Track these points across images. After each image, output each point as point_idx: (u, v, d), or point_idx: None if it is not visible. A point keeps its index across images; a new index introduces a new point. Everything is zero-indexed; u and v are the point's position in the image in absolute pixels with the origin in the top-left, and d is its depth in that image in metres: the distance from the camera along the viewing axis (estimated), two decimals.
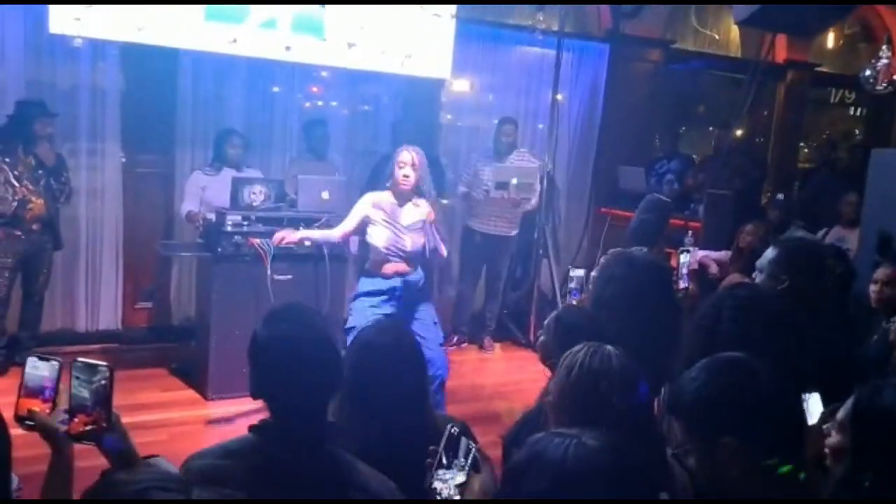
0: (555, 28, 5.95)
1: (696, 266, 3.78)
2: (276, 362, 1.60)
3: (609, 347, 1.67)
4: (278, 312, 1.71)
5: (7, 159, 4.50)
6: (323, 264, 4.54)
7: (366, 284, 3.93)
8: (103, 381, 1.52)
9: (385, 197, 3.93)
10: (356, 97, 6.26)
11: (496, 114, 6.35)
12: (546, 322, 2.29)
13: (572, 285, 3.27)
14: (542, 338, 2.28)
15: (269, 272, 4.36)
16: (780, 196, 5.71)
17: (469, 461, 1.54)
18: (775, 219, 5.46)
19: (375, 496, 1.60)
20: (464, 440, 1.56)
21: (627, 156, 6.72)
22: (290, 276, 4.50)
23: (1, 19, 4.83)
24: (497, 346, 6.10)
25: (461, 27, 5.75)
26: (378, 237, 3.89)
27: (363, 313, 3.77)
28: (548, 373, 2.27)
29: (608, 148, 6.81)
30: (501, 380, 5.51)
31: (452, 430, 1.58)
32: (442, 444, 1.56)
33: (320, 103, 6.12)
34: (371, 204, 3.92)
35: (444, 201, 6.47)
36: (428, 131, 6.37)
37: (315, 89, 6.12)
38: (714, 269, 4.35)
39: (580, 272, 3.92)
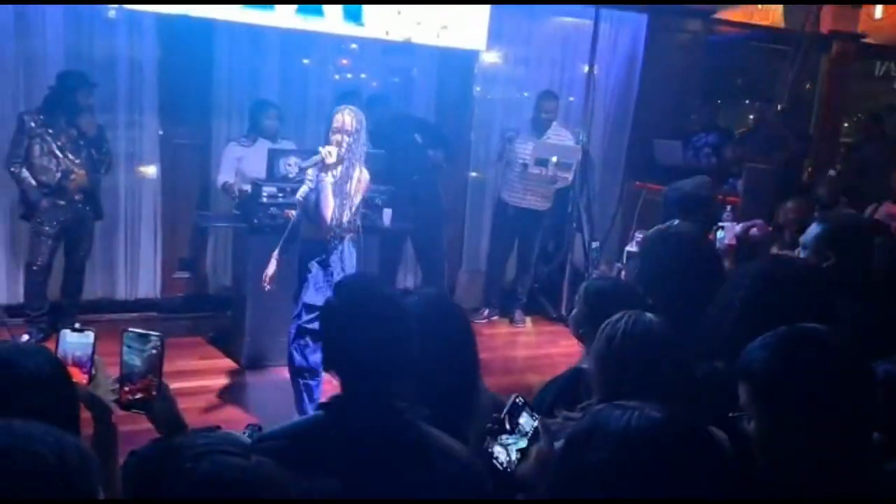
0: None
1: (734, 242, 3.72)
2: (351, 332, 1.55)
3: (649, 315, 1.66)
4: (350, 283, 1.69)
5: (50, 130, 4.58)
6: (357, 235, 4.56)
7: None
8: (154, 350, 1.54)
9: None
10: (388, 69, 6.23)
11: (529, 86, 6.28)
12: (577, 295, 2.29)
13: (593, 257, 3.24)
14: (573, 312, 2.28)
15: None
16: (833, 172, 5.53)
17: (532, 430, 1.54)
18: (824, 195, 5.32)
19: (460, 459, 1.57)
20: (528, 410, 1.56)
21: (664, 129, 6.61)
22: None
23: None
24: (528, 319, 6.10)
25: None
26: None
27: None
28: (578, 346, 2.27)
29: (644, 121, 6.71)
30: (533, 353, 5.52)
31: (517, 400, 1.57)
32: (505, 411, 1.56)
33: (349, 75, 6.10)
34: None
35: (475, 174, 6.45)
36: (461, 103, 6.33)
37: (346, 61, 6.11)
38: (760, 228, 4.17)
39: (596, 244, 3.91)
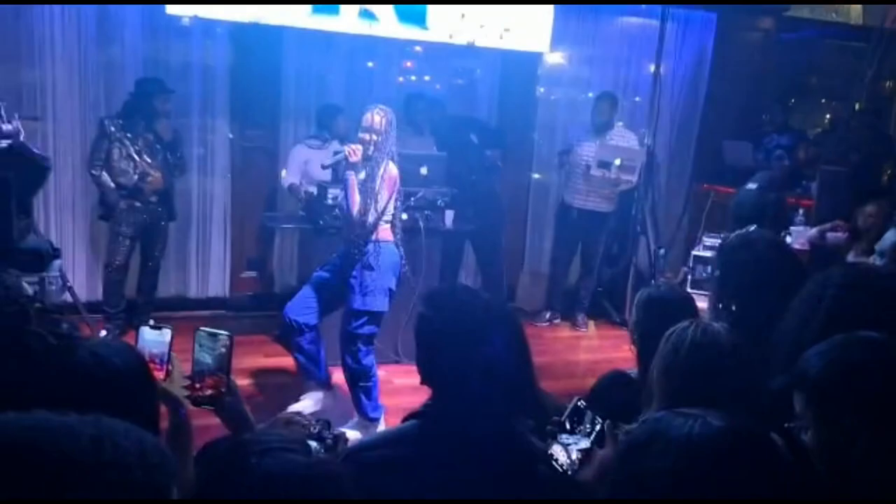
0: None
1: (807, 247, 3.60)
2: (448, 346, 1.55)
3: (717, 324, 1.63)
4: (442, 294, 1.69)
5: (129, 135, 4.77)
6: (419, 237, 4.60)
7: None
8: (223, 349, 1.60)
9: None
10: (451, 71, 6.27)
11: (594, 87, 6.22)
12: (635, 301, 2.26)
13: (660, 264, 3.19)
14: (633, 322, 2.25)
15: None
16: None
17: (595, 432, 1.52)
18: None
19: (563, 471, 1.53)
20: (590, 413, 1.55)
21: (733, 130, 6.45)
22: None
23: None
24: (591, 323, 6.04)
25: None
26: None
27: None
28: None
29: (712, 122, 6.55)
30: (595, 357, 5.46)
31: (580, 403, 1.56)
32: (566, 413, 1.55)
33: (413, 78, 6.16)
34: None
35: (537, 175, 6.42)
36: (524, 105, 6.31)
37: (411, 63, 6.17)
38: (840, 232, 4.00)
39: (663, 250, 3.82)
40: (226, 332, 1.62)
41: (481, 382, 1.52)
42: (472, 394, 1.52)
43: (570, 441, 1.53)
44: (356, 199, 3.66)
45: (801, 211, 4.90)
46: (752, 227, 2.83)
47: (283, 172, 5.33)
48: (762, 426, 1.32)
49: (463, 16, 5.24)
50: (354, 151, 3.63)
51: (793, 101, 7.83)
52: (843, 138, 6.18)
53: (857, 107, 7.59)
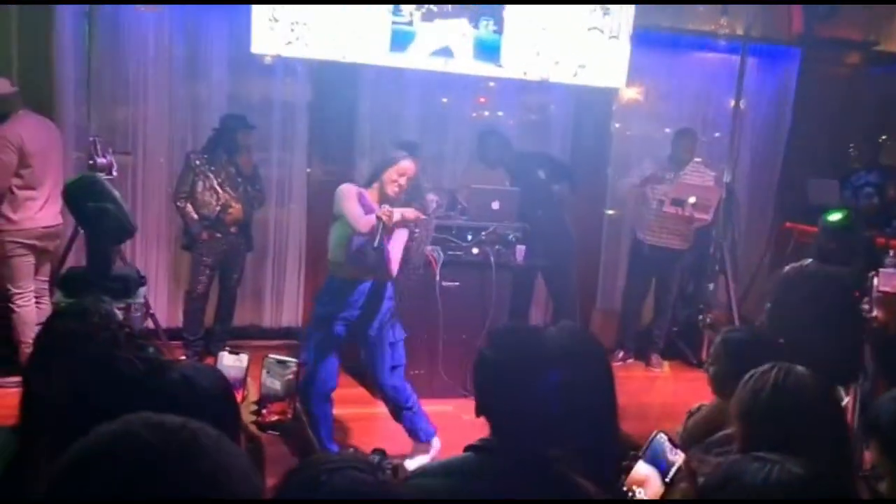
0: (739, 32, 5.64)
1: (891, 290, 3.40)
2: (505, 383, 1.58)
3: (801, 368, 1.56)
4: (504, 332, 1.73)
5: (212, 168, 4.96)
6: (489, 272, 4.60)
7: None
8: (291, 376, 1.63)
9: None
10: (525, 107, 6.29)
11: (670, 122, 6.13)
12: (713, 348, 2.18)
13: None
14: (712, 368, 2.16)
15: (437, 278, 4.48)
16: None
17: (675, 469, 1.50)
18: None
19: None
20: (669, 446, 1.53)
21: (818, 167, 6.22)
22: (457, 283, 4.60)
23: (208, 40, 5.36)
24: (666, 364, 5.86)
25: (636, 35, 5.61)
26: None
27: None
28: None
29: (796, 159, 6.34)
30: (669, 400, 5.27)
31: (659, 437, 1.55)
32: (644, 449, 1.54)
33: (486, 113, 6.20)
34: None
35: (612, 211, 6.33)
36: (599, 140, 6.26)
37: (484, 99, 6.22)
38: None
39: (711, 286, 3.65)
40: (294, 360, 1.65)
41: (537, 420, 1.53)
42: (524, 431, 1.54)
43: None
44: (398, 256, 3.76)
45: (892, 252, 4.65)
46: (808, 261, 2.69)
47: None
48: (844, 476, 1.25)
49: (538, 53, 5.27)
50: (388, 215, 3.60)
51: (883, 137, 7.51)
52: None
53: None
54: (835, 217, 4.38)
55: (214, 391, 1.45)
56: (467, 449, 1.61)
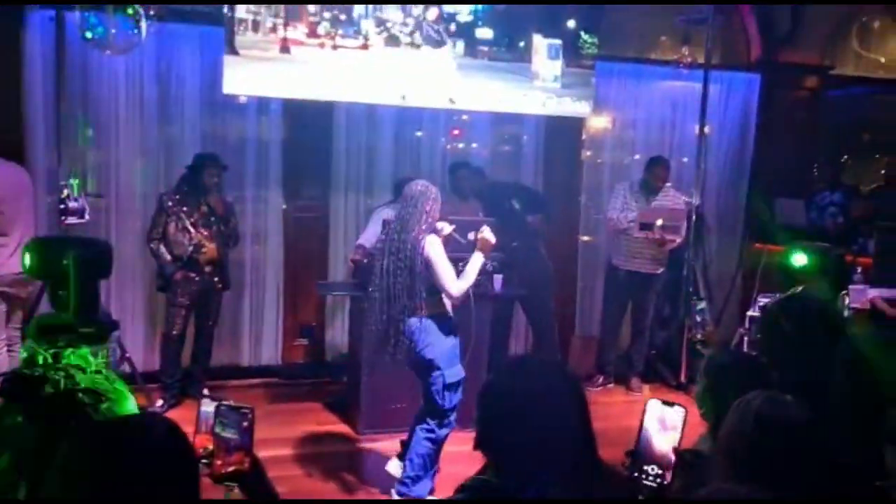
0: (700, 61, 5.80)
1: (867, 307, 3.49)
2: (516, 417, 1.52)
3: (788, 397, 1.58)
4: (515, 364, 1.68)
5: (185, 208, 4.94)
6: (468, 303, 4.60)
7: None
8: (245, 424, 1.56)
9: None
10: (498, 138, 6.38)
11: (639, 149, 6.25)
12: (699, 376, 2.21)
13: (698, 318, 3.12)
14: (696, 388, 2.19)
15: None
16: None
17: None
18: None
19: None
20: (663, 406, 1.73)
21: (783, 188, 6.36)
22: None
23: (181, 81, 5.37)
24: (646, 387, 5.90)
25: (601, 65, 5.74)
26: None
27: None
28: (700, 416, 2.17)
29: (762, 180, 6.49)
30: None
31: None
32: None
33: (461, 145, 6.28)
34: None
35: (586, 238, 6.41)
36: (569, 169, 6.36)
37: (457, 132, 6.30)
38: (892, 311, 3.98)
39: (702, 305, 3.76)
40: (248, 406, 1.58)
41: (536, 456, 1.51)
42: (526, 466, 1.51)
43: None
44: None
45: (858, 269, 4.77)
46: (799, 289, 2.74)
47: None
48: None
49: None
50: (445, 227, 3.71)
51: (845, 157, 7.72)
52: None
53: None
54: (800, 260, 4.40)
55: (163, 448, 1.31)
56: (464, 487, 1.57)
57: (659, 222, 5.42)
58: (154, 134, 5.38)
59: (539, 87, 5.51)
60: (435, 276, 3.60)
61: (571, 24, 5.54)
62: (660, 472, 1.72)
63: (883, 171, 7.40)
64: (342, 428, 4.85)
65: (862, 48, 6.91)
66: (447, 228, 3.75)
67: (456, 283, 3.63)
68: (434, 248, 3.61)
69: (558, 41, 5.48)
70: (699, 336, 5.63)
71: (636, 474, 1.78)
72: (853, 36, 6.86)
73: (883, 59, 7.02)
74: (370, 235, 5.18)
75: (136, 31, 4.27)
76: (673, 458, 1.74)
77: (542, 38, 5.46)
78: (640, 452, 1.79)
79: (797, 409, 1.54)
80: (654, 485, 1.76)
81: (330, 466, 4.29)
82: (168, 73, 5.35)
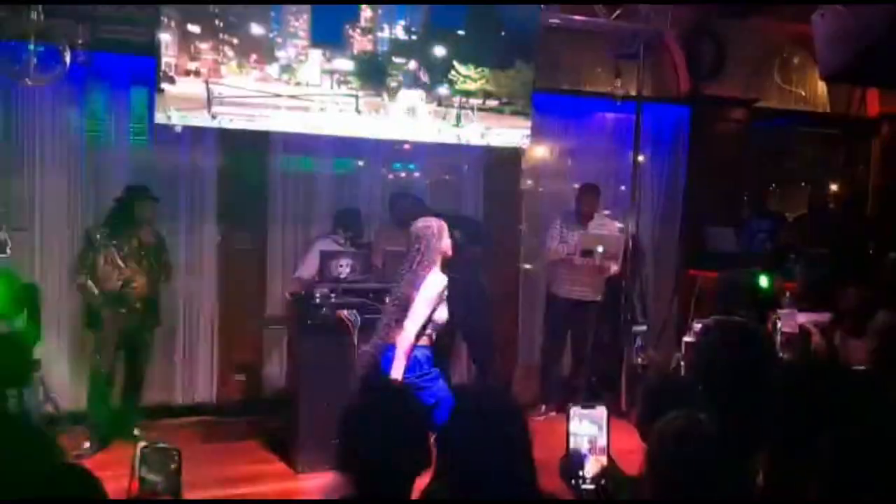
0: (633, 93, 5.97)
1: (796, 330, 3.59)
2: (367, 436, 1.59)
3: (701, 415, 1.60)
4: (368, 387, 1.72)
5: (114, 241, 4.77)
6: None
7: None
8: (173, 465, 1.52)
9: (441, 277, 3.81)
10: (438, 167, 6.40)
11: (577, 178, 6.36)
12: (635, 399, 2.24)
13: (638, 343, 3.18)
14: (635, 416, 2.21)
15: (355, 343, 4.42)
16: (893, 255, 5.37)
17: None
18: (886, 280, 5.14)
19: None
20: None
21: (715, 216, 6.56)
22: None
23: (110, 111, 5.23)
24: None
25: (538, 97, 5.84)
26: (443, 313, 3.82)
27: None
28: (641, 442, 2.18)
29: (694, 208, 6.67)
30: None
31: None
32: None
33: (403, 175, 6.27)
34: (441, 287, 3.78)
35: (527, 267, 6.46)
36: (510, 198, 6.42)
37: (398, 162, 6.30)
38: (819, 341, 4.12)
39: (643, 328, 3.86)
40: (175, 448, 1.54)
41: (389, 481, 1.57)
42: (380, 490, 1.57)
43: None
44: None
45: (787, 293, 4.92)
46: (732, 317, 2.80)
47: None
48: None
49: (444, 118, 5.40)
50: None
51: (773, 186, 8.03)
52: (822, 222, 6.30)
53: (834, 189, 7.78)
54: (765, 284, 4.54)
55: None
56: None
57: (600, 248, 5.50)
58: (82, 165, 5.20)
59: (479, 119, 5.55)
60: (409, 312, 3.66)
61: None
62: (593, 475, 1.83)
63: (808, 200, 7.72)
64: (280, 466, 4.70)
65: (784, 82, 7.23)
66: None
67: (412, 329, 3.65)
68: (426, 289, 3.68)
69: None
70: (640, 360, 5.71)
71: (572, 480, 1.88)
72: (775, 70, 7.18)
73: (803, 93, 7.36)
74: (309, 267, 5.09)
75: (58, 63, 4.16)
76: (605, 460, 1.85)
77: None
78: (572, 458, 1.89)
79: (708, 427, 1.56)
80: (592, 487, 1.87)
81: None
82: (97, 103, 5.20)
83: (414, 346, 3.65)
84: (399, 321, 3.67)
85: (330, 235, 5.31)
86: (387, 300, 3.84)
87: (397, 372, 3.58)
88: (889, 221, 7.62)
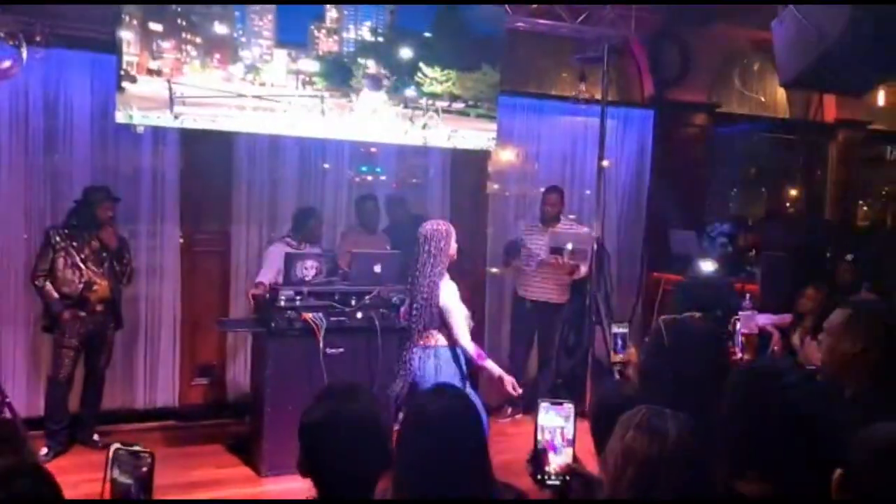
0: (598, 97, 6.03)
1: (756, 332, 3.65)
2: (324, 440, 1.61)
3: (668, 411, 1.62)
4: (326, 390, 1.72)
5: (74, 243, 4.68)
6: (375, 337, 4.55)
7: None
8: (145, 468, 1.50)
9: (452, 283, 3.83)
10: (405, 170, 6.39)
11: (543, 182, 6.39)
12: (588, 410, 2.25)
13: (618, 341, 3.20)
14: (590, 425, 2.22)
15: (321, 346, 4.39)
16: (850, 257, 5.51)
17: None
18: (844, 281, 5.27)
19: None
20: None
21: (678, 219, 6.65)
22: (342, 350, 4.52)
23: (70, 110, 5.12)
24: None
25: (504, 100, 5.87)
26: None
27: None
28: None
29: (658, 212, 6.76)
30: None
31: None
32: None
33: (369, 178, 6.25)
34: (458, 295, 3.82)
35: (494, 270, 6.47)
36: (476, 201, 6.43)
37: (364, 165, 6.27)
38: (777, 343, 4.21)
39: (623, 329, 3.87)
40: (147, 451, 1.52)
41: (348, 484, 1.60)
42: (340, 493, 1.59)
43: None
44: None
45: (748, 296, 5.01)
46: (685, 316, 2.82)
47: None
48: None
49: (411, 120, 5.40)
50: None
51: (734, 190, 8.18)
52: (781, 225, 6.44)
53: (793, 193, 7.96)
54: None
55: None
56: None
57: (569, 246, 5.53)
58: (40, 164, 5.09)
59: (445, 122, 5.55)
60: (450, 327, 3.72)
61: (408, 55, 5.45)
62: (557, 471, 1.86)
63: (765, 204, 7.89)
64: (244, 471, 4.65)
65: (744, 87, 7.37)
66: None
67: (467, 339, 3.75)
68: (450, 298, 3.74)
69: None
70: (619, 358, 5.73)
71: (539, 476, 1.90)
72: (736, 76, 7.32)
73: (763, 98, 7.52)
74: (271, 271, 5.04)
75: (14, 59, 4.06)
76: (571, 454, 1.89)
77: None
78: (539, 454, 1.91)
79: (672, 423, 1.57)
80: (558, 483, 1.89)
81: None
82: (56, 101, 5.09)
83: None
84: (427, 327, 3.72)
85: (284, 239, 5.25)
86: (402, 308, 3.96)
87: (494, 369, 3.83)
88: (846, 224, 7.83)
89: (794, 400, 1.69)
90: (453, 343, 3.77)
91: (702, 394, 1.96)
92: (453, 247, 3.82)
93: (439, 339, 3.74)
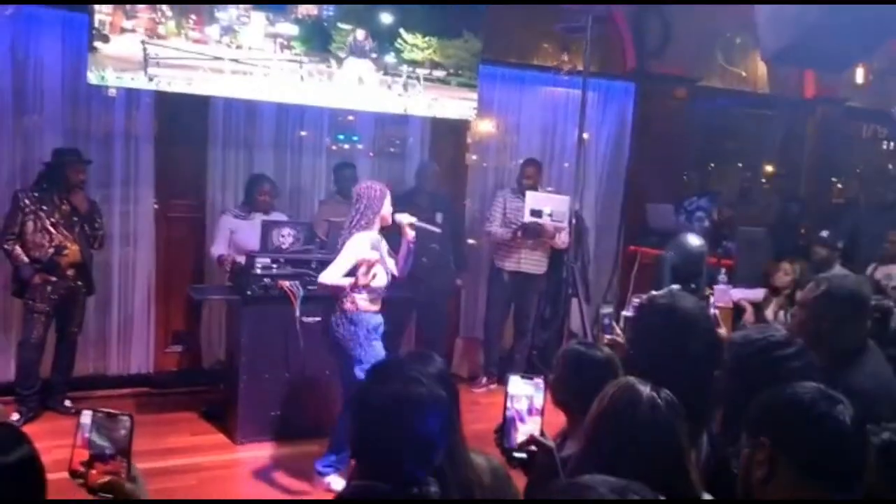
0: (579, 68, 5.98)
1: (731, 306, 3.69)
2: (387, 423, 1.52)
3: (647, 383, 1.62)
4: (386, 369, 1.66)
5: (44, 207, 4.59)
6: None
7: (373, 320, 3.89)
8: (123, 432, 1.50)
9: (376, 236, 3.86)
10: (383, 139, 6.32)
11: (522, 153, 6.37)
12: (554, 360, 2.27)
13: (605, 322, 3.19)
14: (552, 376, 2.23)
15: (297, 314, 4.36)
16: (825, 233, 5.57)
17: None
18: (819, 257, 5.33)
19: None
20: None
21: (656, 193, 6.67)
22: (318, 318, 4.49)
23: (40, 69, 4.98)
24: None
25: (485, 69, 5.81)
26: (381, 278, 3.84)
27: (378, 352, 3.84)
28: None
29: (637, 185, 6.77)
30: None
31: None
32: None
33: (347, 146, 6.18)
34: (370, 246, 3.81)
35: (472, 241, 6.47)
36: (455, 171, 6.39)
37: (342, 133, 6.19)
38: (750, 317, 4.25)
39: (609, 309, 3.90)
40: (126, 414, 1.52)
41: (414, 463, 1.53)
42: (403, 467, 1.52)
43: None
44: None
45: (723, 270, 5.06)
46: (670, 289, 2.83)
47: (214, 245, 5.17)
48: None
49: (389, 87, 5.33)
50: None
51: (712, 165, 8.21)
52: (759, 200, 6.49)
53: (769, 169, 8.01)
54: None
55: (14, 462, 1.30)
56: (345, 497, 1.58)
57: (548, 209, 5.51)
58: (9, 125, 4.95)
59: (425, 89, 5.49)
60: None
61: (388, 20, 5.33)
62: (521, 442, 1.88)
63: (741, 179, 7.93)
64: (219, 438, 4.64)
65: (726, 62, 7.36)
66: (406, 219, 3.88)
67: (326, 274, 3.78)
68: (350, 245, 3.74)
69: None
70: (606, 339, 5.76)
71: (506, 447, 1.92)
72: (717, 50, 7.30)
73: (744, 73, 7.52)
74: (222, 243, 5.01)
75: None
76: (539, 425, 1.90)
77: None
78: (508, 426, 1.92)
79: (647, 395, 1.57)
80: (524, 455, 1.92)
81: (206, 478, 4.09)
82: (25, 61, 4.95)
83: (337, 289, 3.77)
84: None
85: (230, 210, 5.21)
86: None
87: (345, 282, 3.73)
88: (821, 200, 7.91)
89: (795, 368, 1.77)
90: (372, 308, 3.86)
91: (696, 368, 1.98)
92: (387, 209, 3.85)
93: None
